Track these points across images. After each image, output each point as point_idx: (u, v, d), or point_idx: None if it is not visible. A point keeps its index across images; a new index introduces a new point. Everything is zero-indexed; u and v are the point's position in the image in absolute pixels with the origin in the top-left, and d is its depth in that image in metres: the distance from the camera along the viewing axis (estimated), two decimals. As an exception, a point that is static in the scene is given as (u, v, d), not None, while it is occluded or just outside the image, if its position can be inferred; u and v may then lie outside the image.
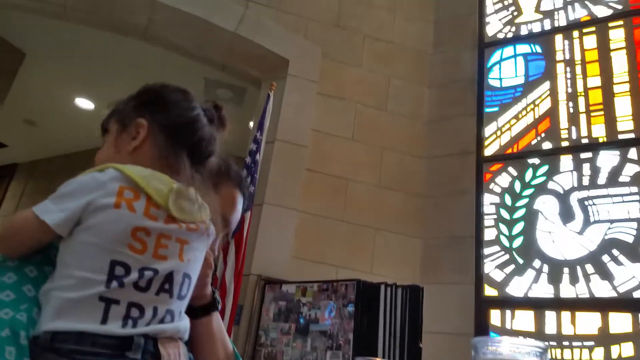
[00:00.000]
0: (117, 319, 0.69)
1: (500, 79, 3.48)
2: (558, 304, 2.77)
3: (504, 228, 3.07)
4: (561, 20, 3.46)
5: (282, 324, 2.55)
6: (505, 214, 3.10)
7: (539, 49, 3.45)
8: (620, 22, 3.25)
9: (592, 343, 2.62)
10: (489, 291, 2.95)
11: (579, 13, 3.43)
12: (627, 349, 2.55)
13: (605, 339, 2.60)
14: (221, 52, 3.42)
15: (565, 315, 2.74)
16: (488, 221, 3.12)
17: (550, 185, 3.06)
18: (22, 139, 5.72)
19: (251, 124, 3.74)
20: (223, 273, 2.55)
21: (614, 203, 2.86)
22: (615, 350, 2.57)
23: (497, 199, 3.15)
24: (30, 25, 3.83)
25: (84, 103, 4.95)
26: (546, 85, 3.32)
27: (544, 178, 3.09)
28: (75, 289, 0.69)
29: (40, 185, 5.90)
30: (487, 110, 3.40)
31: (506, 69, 3.49)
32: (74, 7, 3.25)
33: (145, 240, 0.72)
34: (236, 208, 1.04)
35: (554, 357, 2.63)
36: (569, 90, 3.24)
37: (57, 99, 4.95)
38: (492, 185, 3.20)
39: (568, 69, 3.29)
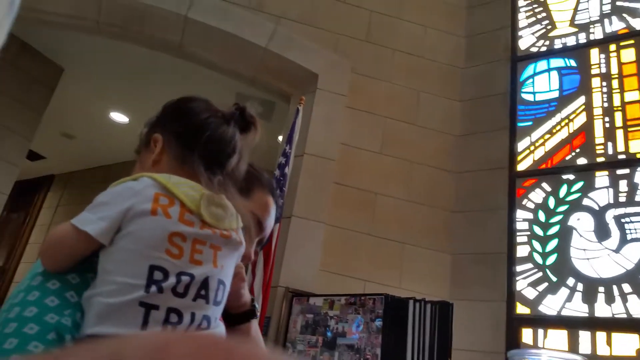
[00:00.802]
0: (157, 324, 0.70)
1: (534, 93, 3.42)
2: (593, 323, 2.68)
3: (537, 245, 3.00)
4: (597, 34, 3.40)
5: (310, 336, 2.54)
6: (538, 231, 3.03)
7: (573, 63, 3.39)
8: (659, 35, 3.18)
9: (630, 365, 2.52)
10: (521, 309, 2.88)
11: (616, 26, 3.36)
12: (668, 373, 2.44)
13: (644, 361, 2.50)
14: (252, 67, 3.48)
15: (601, 335, 2.64)
16: (521, 238, 3.05)
17: (585, 201, 2.98)
18: (60, 151, 5.90)
19: (280, 137, 3.77)
20: (252, 284, 2.56)
21: (653, 221, 2.76)
22: (654, 373, 2.46)
23: (530, 215, 3.09)
24: (68, 41, 3.97)
25: (119, 117, 5.08)
26: (581, 99, 3.25)
27: (578, 194, 3.01)
28: (116, 294, 0.71)
29: (75, 196, 6.06)
30: (520, 124, 3.34)
31: (540, 83, 3.44)
32: (107, 22, 3.36)
33: (182, 246, 0.74)
34: (270, 213, 1.05)
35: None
36: (605, 104, 3.16)
37: (93, 113, 5.11)
38: (525, 201, 3.14)
39: (604, 83, 3.22)
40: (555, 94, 3.35)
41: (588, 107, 3.21)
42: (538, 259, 2.96)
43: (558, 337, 2.74)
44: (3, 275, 5.62)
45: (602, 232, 2.86)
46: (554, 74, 3.41)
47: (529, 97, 3.42)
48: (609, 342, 2.61)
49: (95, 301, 0.72)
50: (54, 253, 0.76)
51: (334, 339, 2.46)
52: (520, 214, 3.10)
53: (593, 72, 3.29)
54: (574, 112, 3.24)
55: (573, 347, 2.66)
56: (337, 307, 2.54)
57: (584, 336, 2.68)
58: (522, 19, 3.70)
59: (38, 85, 4.15)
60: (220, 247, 0.78)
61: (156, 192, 0.76)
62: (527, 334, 2.81)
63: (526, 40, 3.61)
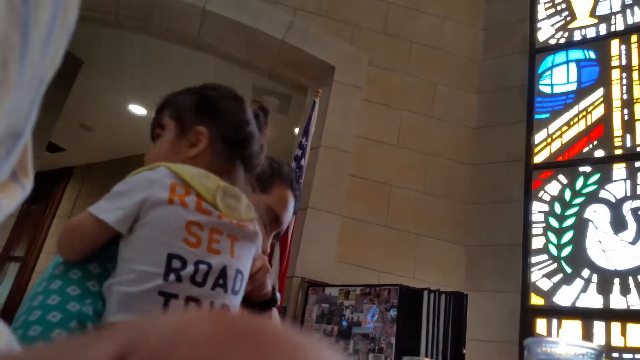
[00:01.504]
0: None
1: (552, 85, 3.40)
2: (608, 314, 2.68)
3: (552, 237, 2.99)
4: (618, 25, 3.36)
5: (325, 325, 2.57)
6: (554, 223, 3.02)
7: (592, 55, 3.35)
8: (680, 26, 3.13)
9: (645, 357, 2.52)
10: (535, 300, 2.88)
11: (638, 17, 3.31)
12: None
13: (660, 354, 2.49)
14: (269, 60, 3.50)
15: (615, 326, 2.64)
16: (536, 229, 3.05)
17: (602, 194, 2.96)
18: (78, 143, 5.99)
19: (296, 130, 3.80)
20: (267, 274, 2.60)
21: (671, 213, 2.74)
22: (670, 366, 2.45)
23: (546, 207, 3.08)
24: (88, 34, 4.03)
25: (137, 109, 5.14)
26: (600, 91, 3.22)
27: (595, 186, 2.99)
28: (136, 283, 0.72)
29: (94, 188, 6.15)
30: (538, 117, 3.32)
31: (558, 76, 3.41)
32: (126, 15, 3.40)
33: (199, 234, 0.74)
34: (287, 208, 1.06)
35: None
36: (625, 96, 3.13)
37: (111, 105, 5.17)
38: (541, 193, 3.13)
39: (624, 74, 3.19)
40: (573, 86, 3.32)
41: (607, 99, 3.18)
42: (553, 250, 2.96)
43: (572, 328, 2.74)
44: (25, 266, 5.74)
45: (618, 224, 2.84)
46: (573, 66, 3.38)
47: (547, 90, 3.40)
48: (623, 333, 2.61)
49: (115, 290, 0.73)
50: (72, 241, 0.77)
51: (349, 328, 2.49)
52: (536, 206, 3.10)
53: (613, 63, 3.25)
54: (592, 104, 3.21)
55: (587, 337, 2.66)
56: (352, 297, 2.56)
57: (599, 327, 2.68)
58: (541, 11, 3.66)
59: (57, 78, 4.18)
60: (237, 237, 0.79)
61: (172, 182, 0.76)
62: (541, 325, 2.81)
63: (545, 32, 3.58)
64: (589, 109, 3.21)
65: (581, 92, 3.28)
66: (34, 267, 5.71)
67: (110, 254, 0.78)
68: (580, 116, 3.22)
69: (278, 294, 1.00)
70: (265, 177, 1.03)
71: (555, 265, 2.92)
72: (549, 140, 3.25)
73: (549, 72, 3.44)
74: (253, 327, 0.14)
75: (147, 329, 0.14)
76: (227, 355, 0.13)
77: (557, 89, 3.37)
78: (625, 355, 2.56)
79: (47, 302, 0.72)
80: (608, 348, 2.59)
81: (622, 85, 3.16)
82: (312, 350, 0.14)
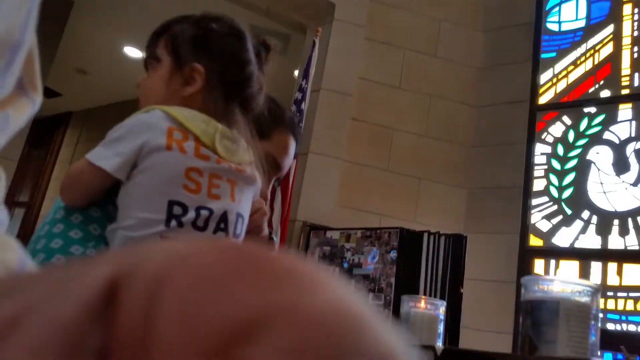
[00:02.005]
0: None
1: (560, 22, 3.29)
2: (605, 255, 2.72)
3: (554, 179, 2.99)
4: (631, -44, 3.21)
5: (327, 267, 2.62)
6: (556, 165, 3.01)
7: (603, -11, 3.22)
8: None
9: (638, 294, 2.58)
10: (534, 241, 2.92)
11: (652, -53, 3.16)
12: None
13: (654, 291, 2.55)
14: (266, -3, 3.38)
15: (612, 266, 2.69)
16: (538, 171, 3.04)
17: (606, 135, 2.93)
18: (75, 88, 5.90)
19: (296, 72, 3.72)
20: (270, 218, 2.62)
21: (674, 154, 2.72)
22: (664, 303, 2.52)
23: (548, 149, 3.06)
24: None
25: (133, 52, 5.03)
26: (609, 28, 3.11)
27: (599, 128, 2.96)
28: (138, 228, 0.72)
29: (94, 133, 6.13)
30: (544, 56, 3.24)
31: (566, 12, 3.29)
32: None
33: (199, 180, 0.74)
34: (288, 153, 1.05)
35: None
36: (635, 33, 3.03)
37: (106, 48, 5.05)
38: (544, 135, 3.10)
39: (636, 9, 3.07)
40: (582, 23, 3.21)
41: (616, 36, 3.08)
42: (554, 192, 2.96)
43: (570, 268, 2.79)
44: (29, 211, 5.81)
45: (621, 166, 2.83)
46: (582, 2, 3.26)
47: (554, 27, 3.29)
48: (619, 273, 2.66)
49: (118, 234, 0.73)
50: (72, 189, 0.77)
51: (350, 270, 2.54)
52: (539, 147, 3.08)
53: (625, -2, 3.13)
54: (600, 42, 3.12)
55: (584, 277, 2.71)
56: (353, 240, 2.60)
57: (596, 267, 2.72)
58: (550, -58, 3.49)
59: (48, 20, 4.09)
60: (237, 181, 0.79)
61: (169, 126, 0.75)
62: (539, 265, 2.87)
63: (553, -35, 3.43)
64: (597, 47, 3.12)
65: (590, 29, 3.17)
66: (39, 212, 5.78)
67: (110, 198, 0.78)
68: (588, 55, 3.13)
69: (276, 238, 1.01)
70: (266, 122, 1.00)
71: (555, 207, 2.93)
72: (554, 80, 3.18)
73: (557, 9, 3.32)
74: (259, 256, 0.13)
75: (147, 255, 0.13)
76: (230, 284, 0.12)
77: (565, 26, 3.26)
78: (619, 294, 2.62)
79: (51, 245, 0.73)
80: (603, 287, 2.64)
81: (633, 21, 3.06)
82: (321, 282, 0.13)
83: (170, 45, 0.86)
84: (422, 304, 1.45)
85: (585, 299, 0.77)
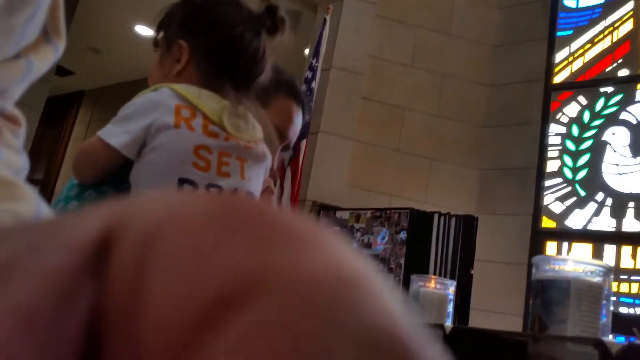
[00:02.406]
0: None
1: (577, -1, 3.20)
2: (619, 237, 2.68)
3: (568, 160, 2.95)
4: None
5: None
6: (570, 145, 2.96)
7: (624, -37, 3.13)
8: None
9: (653, 278, 2.55)
10: (547, 223, 2.89)
11: None
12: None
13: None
14: (277, -26, 3.33)
15: (627, 249, 2.65)
16: (552, 152, 3.00)
17: (623, 115, 2.87)
18: (88, 67, 5.91)
19: (306, 51, 3.68)
20: (280, 198, 2.62)
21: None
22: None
23: (563, 130, 3.01)
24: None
25: (144, 30, 5.01)
26: (630, 4, 3.02)
27: (616, 108, 2.90)
28: None
29: (107, 112, 6.15)
30: (560, 34, 3.16)
31: (585, -13, 3.20)
32: None
33: (208, 158, 0.73)
34: (292, 120, 0.99)
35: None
36: (656, 10, 2.95)
37: (117, 26, 5.04)
38: (559, 115, 3.04)
39: (657, -14, 2.98)
40: (601, 0, 3.13)
41: (637, 12, 2.99)
42: (568, 173, 2.92)
43: (583, 251, 2.76)
44: (44, 188, 5.88)
45: (637, 147, 2.78)
46: (601, -23, 3.17)
47: (572, 4, 3.21)
48: (634, 256, 2.63)
49: None
50: (84, 165, 0.77)
51: (360, 250, 2.54)
52: (553, 128, 3.03)
53: (646, -27, 3.03)
54: (620, 19, 3.04)
55: (597, 259, 2.69)
56: (363, 220, 2.59)
57: (609, 250, 2.69)
58: None
59: (61, -2, 4.09)
60: (246, 158, 0.78)
61: (177, 104, 0.74)
62: (551, 247, 2.84)
63: (573, -61, 3.33)
64: (616, 25, 3.04)
65: (609, 6, 3.09)
66: (53, 189, 5.85)
67: (124, 175, 0.78)
68: (606, 32, 3.05)
69: None
70: (261, 89, 0.96)
71: (569, 188, 2.89)
72: (570, 59, 3.11)
73: (575, -16, 3.23)
74: (255, 211, 0.12)
75: (141, 206, 0.13)
76: (222, 242, 0.12)
77: (583, 3, 3.18)
78: (633, 277, 2.59)
79: None
80: (617, 270, 2.62)
81: (654, -3, 2.97)
82: (321, 242, 0.12)
83: (161, 27, 0.86)
84: (432, 284, 1.45)
85: (597, 279, 0.76)
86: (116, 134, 0.74)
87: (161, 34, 0.86)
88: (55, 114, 6.21)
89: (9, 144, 0.31)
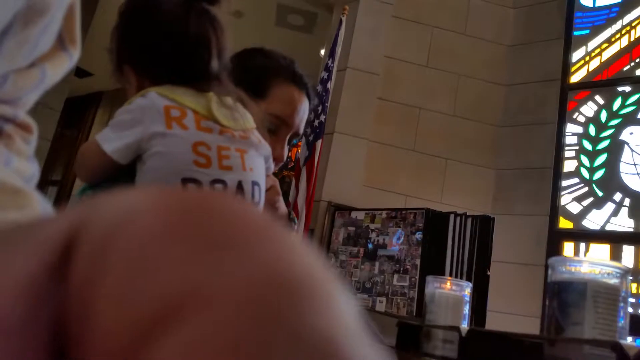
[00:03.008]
0: None
1: (594, -3, 3.18)
2: (638, 238, 2.66)
3: (585, 160, 2.92)
4: None
5: (351, 247, 2.64)
6: (587, 145, 2.94)
7: (641, -38, 3.09)
8: None
9: (672, 280, 2.52)
10: (564, 224, 2.87)
11: None
12: None
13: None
14: (293, -24, 3.34)
15: (646, 250, 2.63)
16: (569, 152, 2.98)
17: (641, 115, 2.84)
18: (106, 68, 5.96)
19: (322, 51, 3.69)
20: (295, 198, 2.64)
21: None
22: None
23: (580, 129, 2.98)
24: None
25: (161, 31, 5.05)
26: (647, 3, 2.99)
27: (633, 107, 2.87)
28: None
29: (124, 113, 6.20)
30: (577, 33, 3.13)
31: (601, -14, 3.17)
32: None
33: (208, 154, 0.72)
34: (296, 107, 0.93)
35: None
36: (674, 9, 2.91)
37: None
38: (576, 115, 3.02)
39: (675, -16, 2.94)
40: (618, -2, 3.10)
41: (654, 12, 2.96)
42: (585, 173, 2.90)
43: (600, 252, 2.74)
44: (63, 189, 5.98)
45: (656, 147, 2.75)
46: (619, -24, 3.14)
47: (588, 3, 3.18)
48: (653, 258, 2.60)
49: None
50: (82, 167, 0.78)
51: (375, 250, 2.55)
52: (570, 128, 3.00)
53: (664, -29, 3.00)
54: (637, 18, 3.00)
55: (615, 261, 2.66)
56: (378, 221, 2.60)
57: (627, 251, 2.67)
58: None
59: (80, 1, 4.15)
60: (245, 149, 0.77)
61: (166, 105, 0.73)
62: (568, 248, 2.82)
63: (590, -63, 3.30)
64: (634, 24, 3.00)
65: (626, 5, 3.05)
66: (71, 189, 5.94)
67: (133, 176, 0.77)
68: (624, 32, 3.02)
69: (294, 217, 0.98)
70: (257, 78, 0.91)
71: (586, 188, 2.87)
72: (587, 58, 3.09)
73: (592, -17, 3.21)
74: (206, 216, 0.12)
75: (101, 212, 0.13)
76: (166, 253, 0.12)
77: (600, 2, 3.15)
78: (652, 278, 2.57)
79: None
80: (636, 271, 2.59)
81: (672, -4, 2.93)
82: (269, 244, 0.12)
83: (115, 63, 0.83)
84: (448, 285, 1.44)
85: (614, 281, 0.76)
86: (110, 138, 0.74)
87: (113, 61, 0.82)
88: (74, 114, 6.29)
89: (20, 152, 0.31)
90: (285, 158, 0.95)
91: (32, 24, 0.29)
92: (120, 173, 0.76)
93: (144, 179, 0.74)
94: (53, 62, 0.33)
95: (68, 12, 0.33)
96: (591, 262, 0.75)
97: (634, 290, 2.57)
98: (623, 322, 0.73)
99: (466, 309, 1.38)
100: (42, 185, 5.98)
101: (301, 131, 0.97)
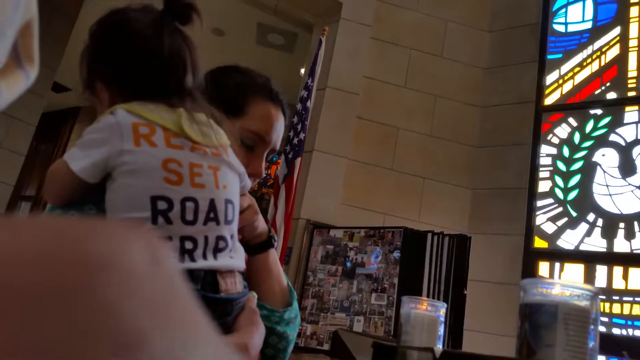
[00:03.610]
0: (175, 252, 0.70)
1: (566, 23, 3.28)
2: (610, 258, 2.71)
3: (559, 180, 2.99)
4: (638, -42, 3.19)
5: (329, 266, 2.63)
6: (562, 166, 3.00)
7: (611, -9, 3.21)
8: None
9: (644, 299, 2.56)
10: (539, 243, 2.91)
11: (660, -51, 3.14)
12: (683, 307, 2.48)
13: (659, 296, 2.54)
14: (274, -4, 3.38)
15: (618, 270, 2.68)
16: (543, 173, 3.04)
17: (612, 137, 2.92)
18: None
19: (302, 70, 3.72)
20: (274, 216, 2.63)
21: (681, 158, 2.70)
22: (669, 308, 2.50)
23: (554, 151, 3.05)
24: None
25: (141, 48, 5.04)
26: (616, 30, 3.10)
27: (605, 130, 2.95)
28: None
29: (101, 128, 6.14)
30: (550, 57, 3.23)
31: (573, 13, 3.28)
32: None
33: (179, 171, 0.71)
34: (271, 123, 0.93)
35: (602, 310, 2.60)
36: (642, 35, 3.02)
37: (115, 44, 5.06)
38: (550, 136, 3.09)
39: (643, 12, 3.06)
40: (589, 25, 3.20)
41: (623, 38, 3.06)
42: (559, 194, 2.96)
43: (575, 271, 2.78)
44: (36, 204, 5.85)
45: (627, 169, 2.82)
46: (589, 3, 3.25)
47: (561, 28, 3.28)
48: (625, 277, 2.65)
49: None
50: (52, 188, 0.76)
51: (353, 269, 2.54)
52: (544, 149, 3.07)
53: (632, 0, 3.11)
54: (607, 44, 3.11)
55: (589, 280, 2.71)
56: (356, 239, 2.60)
57: (601, 270, 2.71)
58: (559, -57, 3.47)
59: (60, 14, 4.11)
60: (218, 166, 0.75)
61: (134, 122, 0.72)
62: (543, 267, 2.86)
63: (562, -34, 3.41)
64: (604, 49, 3.10)
65: (596, 31, 3.16)
66: (46, 205, 5.83)
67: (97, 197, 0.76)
68: (594, 56, 3.12)
69: (274, 234, 0.97)
70: (234, 96, 0.92)
71: (560, 209, 2.93)
72: (561, 81, 3.17)
73: (563, 10, 3.31)
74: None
75: None
76: None
77: (572, 28, 3.25)
78: (625, 298, 2.61)
79: None
80: (609, 291, 2.63)
81: (640, 23, 3.05)
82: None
83: (81, 74, 0.82)
84: (423, 305, 1.45)
85: (584, 303, 0.77)
86: (79, 157, 0.72)
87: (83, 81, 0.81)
88: (50, 129, 6.20)
89: None
90: (263, 174, 0.95)
91: None
92: (91, 191, 0.74)
93: (113, 197, 0.73)
94: (8, 80, 0.32)
95: (25, 30, 0.32)
96: (562, 284, 0.76)
97: (607, 309, 2.61)
98: (593, 344, 0.74)
99: (441, 330, 1.39)
100: (15, 200, 5.85)
101: (278, 147, 0.98)
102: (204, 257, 0.73)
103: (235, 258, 0.77)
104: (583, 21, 3.23)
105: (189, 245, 0.71)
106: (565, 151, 3.02)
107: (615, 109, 2.96)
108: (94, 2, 4.35)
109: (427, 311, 1.37)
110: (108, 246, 0.15)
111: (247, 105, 0.92)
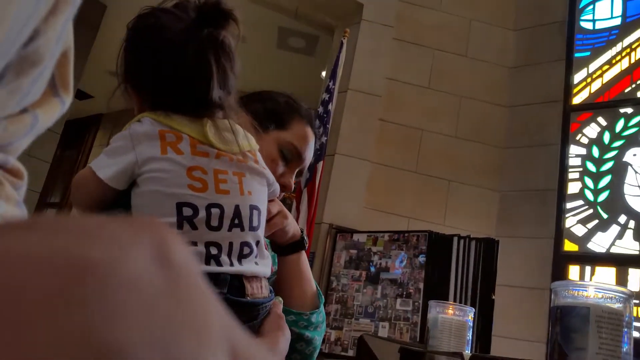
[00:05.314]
0: (200, 258, 0.70)
1: (594, 20, 3.19)
2: (645, 262, 2.62)
3: (589, 181, 2.90)
4: (669, -48, 3.09)
5: (353, 271, 2.59)
6: (591, 167, 2.92)
7: (640, -14, 3.12)
8: None
9: (680, 304, 2.47)
10: (569, 246, 2.83)
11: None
12: None
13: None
14: (294, -1, 3.37)
15: (652, 273, 2.59)
16: (572, 174, 2.96)
17: (644, 136, 2.83)
18: (106, 90, 6.01)
19: (323, 73, 3.70)
20: (296, 221, 2.61)
21: None
22: None
23: (583, 151, 2.97)
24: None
25: (162, 54, 5.08)
26: (646, 26, 3.01)
27: (636, 129, 2.86)
28: None
29: (124, 134, 6.21)
30: (578, 55, 3.15)
31: (601, 10, 3.20)
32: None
33: (204, 178, 0.72)
34: (308, 144, 1.01)
35: (636, 314, 2.51)
36: (674, 31, 2.93)
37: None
38: (579, 136, 3.01)
39: (674, 7, 2.96)
40: (618, 21, 3.11)
41: (654, 34, 2.97)
42: (589, 195, 2.87)
43: (606, 275, 2.70)
44: (61, 211, 5.94)
45: (661, 169, 2.73)
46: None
47: (588, 26, 3.20)
48: (660, 281, 2.56)
49: None
50: (77, 196, 0.76)
51: (377, 274, 2.50)
52: (573, 149, 2.99)
53: (663, -5, 3.02)
54: (637, 40, 3.02)
55: (621, 284, 2.62)
56: (380, 243, 2.56)
57: (634, 274, 2.63)
58: (585, -62, 3.40)
59: (82, 24, 4.18)
60: (243, 172, 0.76)
61: (160, 129, 0.73)
62: (574, 271, 2.78)
63: (588, -39, 3.34)
64: (634, 46, 3.02)
65: (625, 28, 3.07)
66: (70, 212, 5.92)
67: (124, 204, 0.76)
68: (624, 54, 3.04)
69: (306, 236, 0.98)
70: (282, 112, 1.00)
71: (590, 210, 2.85)
72: (589, 80, 3.09)
73: (591, 7, 3.23)
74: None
75: None
76: None
77: (600, 25, 3.17)
78: (659, 302, 2.52)
79: None
80: (642, 295, 2.55)
81: (672, 18, 2.95)
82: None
83: (122, 85, 0.81)
84: (451, 310, 1.41)
85: (617, 305, 0.73)
86: (105, 165, 0.73)
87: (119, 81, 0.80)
88: (73, 136, 6.30)
89: (9, 197, 0.31)
90: (291, 187, 1.00)
91: (24, 74, 0.29)
92: (120, 196, 0.75)
93: (139, 202, 0.73)
94: (45, 108, 0.33)
95: (62, 59, 0.33)
96: (594, 286, 0.74)
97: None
98: (627, 347, 0.71)
99: (469, 334, 1.35)
100: (41, 207, 5.95)
101: (305, 168, 1.05)
102: (230, 262, 0.73)
103: (260, 265, 0.77)
104: (611, 17, 3.15)
105: (213, 250, 0.72)
106: (595, 151, 2.93)
107: (647, 108, 2.88)
108: (115, 12, 4.41)
109: (455, 315, 1.33)
110: (106, 252, 0.14)
111: (292, 121, 1.00)
